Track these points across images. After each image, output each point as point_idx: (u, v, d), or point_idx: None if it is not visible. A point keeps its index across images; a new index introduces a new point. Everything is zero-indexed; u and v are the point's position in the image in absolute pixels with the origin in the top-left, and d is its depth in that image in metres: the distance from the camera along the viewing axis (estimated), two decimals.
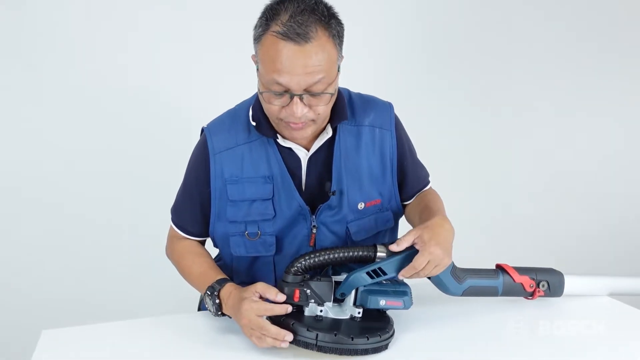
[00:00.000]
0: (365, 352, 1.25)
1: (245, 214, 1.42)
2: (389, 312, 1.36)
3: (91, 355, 1.27)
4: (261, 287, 1.27)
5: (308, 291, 1.28)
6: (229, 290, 1.32)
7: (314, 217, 1.41)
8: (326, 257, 1.29)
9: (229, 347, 1.29)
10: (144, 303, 2.41)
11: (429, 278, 1.35)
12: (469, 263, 1.43)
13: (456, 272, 1.37)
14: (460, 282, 1.37)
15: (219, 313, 1.34)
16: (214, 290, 1.33)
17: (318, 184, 1.44)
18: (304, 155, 1.43)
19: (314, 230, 1.42)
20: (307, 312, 1.29)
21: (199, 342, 1.32)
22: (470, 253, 1.77)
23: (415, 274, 1.28)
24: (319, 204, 1.41)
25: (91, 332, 1.35)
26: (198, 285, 1.43)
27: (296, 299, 1.28)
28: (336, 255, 1.30)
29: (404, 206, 1.61)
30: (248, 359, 1.25)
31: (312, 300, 1.29)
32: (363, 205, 1.45)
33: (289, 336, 1.22)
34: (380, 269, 1.29)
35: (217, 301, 1.33)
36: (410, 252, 1.28)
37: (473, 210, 3.22)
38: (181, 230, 1.53)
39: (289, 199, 1.41)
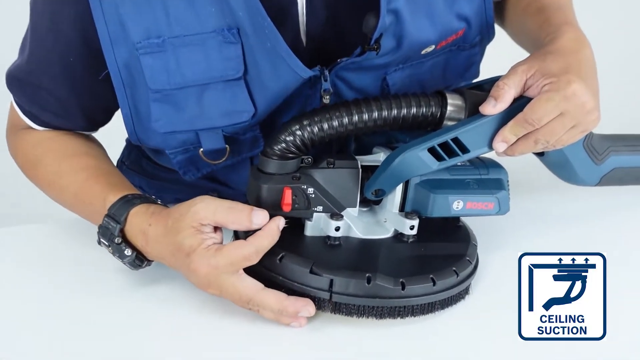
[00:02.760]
0: (431, 308, 0.68)
1: (193, 118, 0.76)
2: (463, 221, 0.78)
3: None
4: (207, 215, 0.66)
5: (310, 190, 0.69)
6: (140, 226, 0.70)
7: (326, 72, 0.74)
8: (345, 119, 0.69)
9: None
10: None
11: (539, 156, 0.81)
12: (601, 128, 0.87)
13: (592, 143, 0.83)
14: (599, 160, 0.86)
15: (142, 264, 0.72)
16: (112, 235, 0.70)
17: (331, 25, 0.76)
18: None
19: (326, 98, 0.75)
20: (310, 230, 0.71)
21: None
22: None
23: (525, 141, 0.70)
24: (337, 59, 0.76)
25: None
26: (80, 214, 0.83)
27: (287, 207, 0.68)
28: (366, 116, 0.69)
29: (498, 8, 0.90)
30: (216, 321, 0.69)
31: (320, 208, 0.69)
32: (432, 47, 0.79)
33: (308, 309, 0.66)
34: (456, 139, 0.69)
35: (129, 253, 0.71)
36: (515, 106, 0.69)
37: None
38: (34, 121, 0.85)
39: (277, 66, 0.72)
